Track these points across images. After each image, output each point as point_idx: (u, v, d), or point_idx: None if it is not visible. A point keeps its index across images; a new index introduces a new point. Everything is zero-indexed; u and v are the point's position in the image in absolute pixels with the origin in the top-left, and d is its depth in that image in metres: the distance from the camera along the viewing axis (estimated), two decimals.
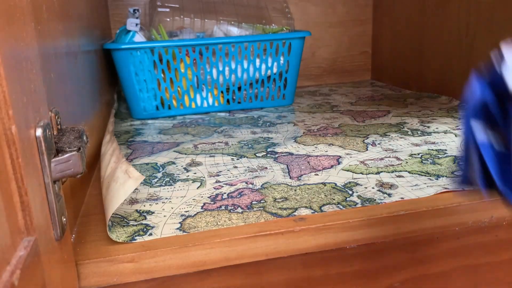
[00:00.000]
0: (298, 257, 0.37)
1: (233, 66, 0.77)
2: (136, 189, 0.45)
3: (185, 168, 0.50)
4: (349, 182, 0.45)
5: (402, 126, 0.65)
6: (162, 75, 0.75)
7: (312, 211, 0.39)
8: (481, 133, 0.27)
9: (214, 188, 0.44)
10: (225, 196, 0.42)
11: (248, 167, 0.50)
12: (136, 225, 0.37)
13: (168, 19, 0.84)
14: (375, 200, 0.40)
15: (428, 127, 0.64)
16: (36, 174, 0.24)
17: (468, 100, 0.27)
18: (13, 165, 0.21)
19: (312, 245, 0.36)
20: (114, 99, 0.88)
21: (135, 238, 0.35)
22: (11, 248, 0.20)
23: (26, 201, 0.22)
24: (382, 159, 0.51)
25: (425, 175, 0.45)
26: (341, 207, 0.39)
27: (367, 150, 0.55)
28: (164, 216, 0.39)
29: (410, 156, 0.52)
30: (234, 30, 0.83)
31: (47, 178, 0.25)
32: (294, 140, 0.60)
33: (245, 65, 0.78)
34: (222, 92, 0.80)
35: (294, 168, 0.49)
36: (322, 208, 0.39)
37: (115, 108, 0.82)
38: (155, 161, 0.53)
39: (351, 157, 0.52)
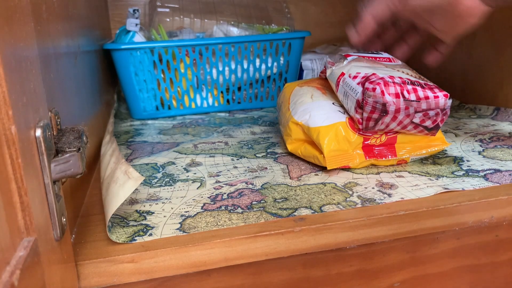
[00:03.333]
0: (298, 257, 0.37)
1: (233, 66, 0.77)
2: (136, 189, 0.45)
3: (185, 168, 0.50)
4: (349, 182, 0.45)
5: None
6: (162, 75, 0.75)
7: (312, 211, 0.39)
8: None
9: (214, 188, 0.44)
10: (225, 196, 0.42)
11: (248, 167, 0.50)
12: (136, 226, 0.37)
13: (168, 19, 0.84)
14: (375, 200, 0.40)
15: None
16: (35, 174, 0.24)
17: None
18: (13, 165, 0.21)
19: (312, 245, 0.36)
20: (114, 99, 0.88)
21: (135, 238, 0.35)
22: (10, 249, 0.20)
23: (26, 201, 0.22)
24: None
25: (425, 175, 0.45)
26: (341, 207, 0.39)
27: None
28: (164, 216, 0.39)
29: None
30: (234, 30, 0.83)
31: (47, 178, 0.25)
32: None
33: (245, 65, 0.78)
34: (222, 92, 0.80)
35: (294, 168, 0.49)
36: (322, 208, 0.39)
37: (115, 108, 0.82)
38: (155, 161, 0.53)
39: None
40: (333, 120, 0.48)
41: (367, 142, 0.47)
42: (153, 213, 0.40)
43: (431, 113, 0.45)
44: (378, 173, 0.47)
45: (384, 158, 0.48)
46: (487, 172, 0.46)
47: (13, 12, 0.23)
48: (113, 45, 0.72)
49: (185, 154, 0.56)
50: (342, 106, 0.51)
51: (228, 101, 0.81)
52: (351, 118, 0.48)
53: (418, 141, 0.48)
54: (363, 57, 0.53)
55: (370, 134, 0.47)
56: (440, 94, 0.44)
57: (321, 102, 0.51)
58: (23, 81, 0.23)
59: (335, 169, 0.48)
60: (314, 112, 0.49)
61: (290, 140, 0.52)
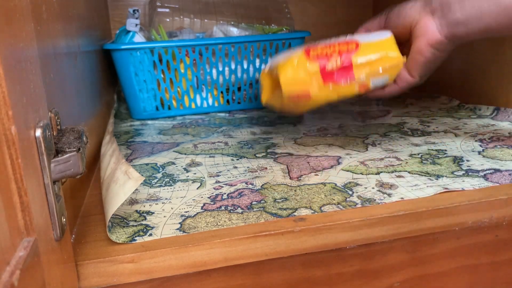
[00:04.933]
0: (298, 257, 0.37)
1: (233, 66, 0.77)
2: (136, 189, 0.45)
3: (185, 169, 0.50)
4: (349, 182, 0.45)
5: (402, 126, 0.65)
6: (162, 76, 0.75)
7: (312, 211, 0.39)
8: None
9: (214, 189, 0.44)
10: (225, 196, 0.42)
11: (248, 167, 0.50)
12: (136, 226, 0.37)
13: (168, 20, 0.84)
14: (375, 200, 0.40)
15: (428, 126, 0.64)
16: (35, 174, 0.24)
17: None
18: (13, 165, 0.21)
19: (312, 245, 0.36)
20: (114, 100, 0.88)
21: (135, 238, 0.35)
22: (10, 249, 0.20)
23: (25, 202, 0.22)
24: (382, 159, 0.51)
25: (425, 175, 0.45)
26: (341, 207, 0.39)
27: (367, 150, 0.55)
28: (164, 216, 0.39)
29: (410, 156, 0.52)
30: (234, 30, 0.83)
31: (47, 178, 0.25)
32: (294, 141, 0.60)
33: (245, 66, 0.78)
34: (222, 92, 0.80)
35: (294, 168, 0.49)
36: (322, 208, 0.39)
37: (115, 108, 0.82)
38: (155, 161, 0.53)
39: (351, 157, 0.52)
40: (290, 56, 0.49)
41: (324, 68, 0.48)
42: (153, 213, 0.40)
43: None
44: (378, 173, 0.47)
45: (343, 82, 0.48)
46: (487, 172, 0.46)
47: (13, 12, 0.23)
48: (113, 45, 0.72)
49: (185, 154, 0.56)
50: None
51: (228, 101, 0.81)
52: (307, 49, 0.50)
53: (373, 62, 0.48)
54: None
55: (325, 61, 0.48)
56: None
57: (291, 51, 0.53)
58: (23, 81, 0.23)
59: (335, 169, 0.48)
60: (278, 57, 0.51)
61: (263, 92, 0.54)
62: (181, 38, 0.81)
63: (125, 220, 0.38)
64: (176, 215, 0.39)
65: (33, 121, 0.24)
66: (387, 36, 0.50)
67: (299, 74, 0.48)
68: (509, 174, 0.45)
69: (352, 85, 0.48)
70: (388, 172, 0.47)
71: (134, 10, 0.75)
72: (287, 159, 0.52)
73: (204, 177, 0.48)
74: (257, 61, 0.78)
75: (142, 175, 0.47)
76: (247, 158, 0.53)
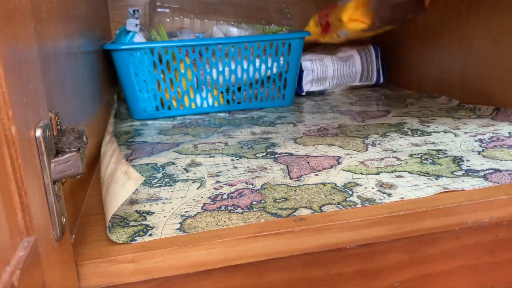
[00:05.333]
0: (298, 257, 0.37)
1: (233, 66, 0.77)
2: (136, 189, 0.45)
3: (185, 169, 0.50)
4: (349, 182, 0.45)
5: (402, 126, 0.65)
6: (162, 76, 0.75)
7: (312, 211, 0.39)
8: None
9: (214, 189, 0.44)
10: (225, 196, 0.43)
11: (248, 167, 0.50)
12: (136, 226, 0.37)
13: (168, 20, 0.84)
14: (375, 200, 0.40)
15: (428, 126, 0.64)
16: (35, 174, 0.24)
17: None
18: (13, 165, 0.21)
19: (312, 245, 0.36)
20: (114, 100, 0.88)
21: (135, 238, 0.35)
22: (10, 249, 0.20)
23: (25, 202, 0.22)
24: (382, 159, 0.51)
25: (425, 175, 0.46)
26: (341, 207, 0.39)
27: (367, 150, 0.55)
28: (164, 216, 0.39)
29: (410, 156, 0.52)
30: (234, 31, 0.83)
31: (47, 178, 0.25)
32: (294, 141, 0.60)
33: (245, 66, 0.78)
34: (222, 92, 0.80)
35: (294, 168, 0.49)
36: (322, 208, 0.39)
37: (115, 108, 0.82)
38: (155, 161, 0.53)
39: (351, 157, 0.52)
40: (314, 15, 0.88)
41: (321, 25, 0.84)
42: (153, 213, 0.40)
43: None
44: (378, 173, 0.47)
45: (326, 33, 0.83)
46: (487, 172, 0.46)
47: (13, 12, 0.23)
48: (113, 45, 0.72)
49: (185, 154, 0.56)
50: None
51: (228, 101, 0.81)
52: (321, 10, 0.84)
53: (335, 22, 0.78)
54: None
55: (321, 20, 0.83)
56: None
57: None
58: (23, 81, 0.23)
59: (335, 169, 0.48)
60: None
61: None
62: (181, 38, 0.81)
63: (125, 220, 0.38)
64: (176, 215, 0.39)
65: (33, 121, 0.24)
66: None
67: (312, 30, 0.86)
68: (509, 174, 0.45)
69: (333, 35, 0.82)
70: (388, 172, 0.47)
71: (134, 10, 0.75)
72: (287, 159, 0.52)
73: (204, 177, 0.48)
74: (257, 61, 0.78)
75: (142, 175, 0.47)
76: (247, 158, 0.53)
